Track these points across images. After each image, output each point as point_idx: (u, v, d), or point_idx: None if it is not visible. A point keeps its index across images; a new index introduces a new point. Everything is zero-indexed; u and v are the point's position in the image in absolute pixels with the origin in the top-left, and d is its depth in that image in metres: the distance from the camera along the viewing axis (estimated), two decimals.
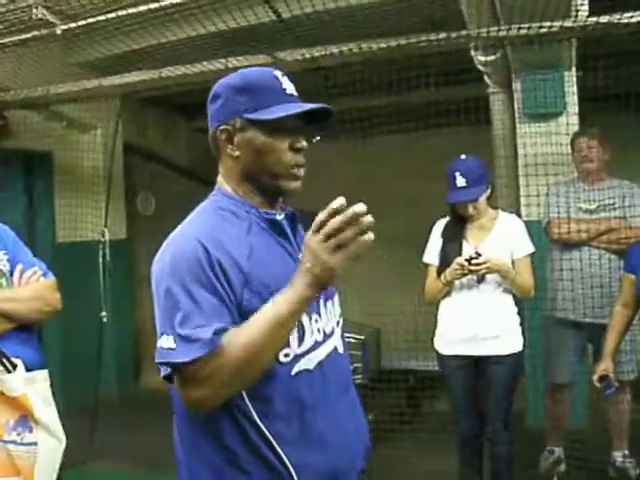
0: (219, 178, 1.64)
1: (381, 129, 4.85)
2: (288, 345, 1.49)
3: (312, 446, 1.52)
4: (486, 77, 4.74)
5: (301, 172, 1.58)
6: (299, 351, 1.52)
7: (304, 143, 1.57)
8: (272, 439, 1.46)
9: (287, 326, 1.39)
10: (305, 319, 1.53)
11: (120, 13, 3.79)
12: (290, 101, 1.54)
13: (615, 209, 3.76)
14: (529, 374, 4.42)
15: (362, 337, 4.58)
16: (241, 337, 1.36)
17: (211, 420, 1.48)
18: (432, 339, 3.43)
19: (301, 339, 1.52)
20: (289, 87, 1.56)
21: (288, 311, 1.36)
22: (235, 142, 1.55)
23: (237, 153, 1.55)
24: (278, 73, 1.58)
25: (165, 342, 1.38)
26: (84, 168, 6.05)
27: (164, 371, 1.42)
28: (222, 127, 1.55)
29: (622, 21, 3.43)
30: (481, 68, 4.55)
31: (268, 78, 1.56)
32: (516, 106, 4.66)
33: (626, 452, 3.86)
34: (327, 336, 1.61)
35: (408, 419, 4.69)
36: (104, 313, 5.06)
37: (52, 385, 2.32)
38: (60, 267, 5.87)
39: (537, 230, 3.95)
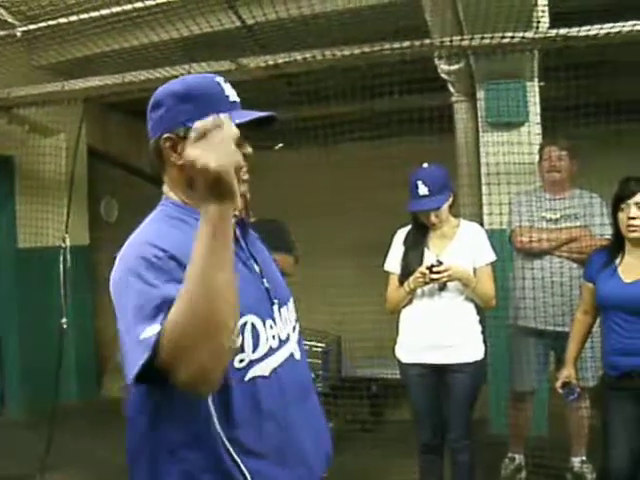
0: (164, 188, 1.62)
1: (344, 137, 4.85)
2: (243, 350, 1.48)
3: (270, 455, 1.50)
4: (450, 86, 4.77)
5: (245, 176, 1.57)
6: (254, 357, 1.50)
7: (249, 149, 1.57)
8: (230, 447, 1.44)
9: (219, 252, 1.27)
10: (259, 324, 1.53)
11: (82, 16, 3.75)
12: (233, 108, 1.55)
13: (577, 219, 3.80)
14: (492, 382, 4.44)
15: (323, 345, 4.57)
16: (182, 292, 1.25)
17: (167, 431, 1.46)
18: (394, 347, 3.43)
19: (256, 345, 1.51)
20: (232, 94, 1.57)
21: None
22: (179, 150, 1.53)
23: (181, 161, 1.51)
24: (220, 79, 1.58)
25: (149, 332, 1.28)
26: (46, 173, 5.96)
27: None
28: (166, 135, 1.53)
29: (581, 34, 3.49)
30: (445, 77, 4.57)
31: (211, 85, 1.56)
32: (479, 115, 4.69)
33: (584, 458, 3.90)
34: (282, 342, 1.60)
35: (370, 427, 4.68)
36: (64, 320, 4.97)
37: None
38: (21, 273, 5.86)
39: (499, 239, 3.97)
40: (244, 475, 1.45)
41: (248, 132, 1.58)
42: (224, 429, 1.44)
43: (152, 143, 1.58)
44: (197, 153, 1.25)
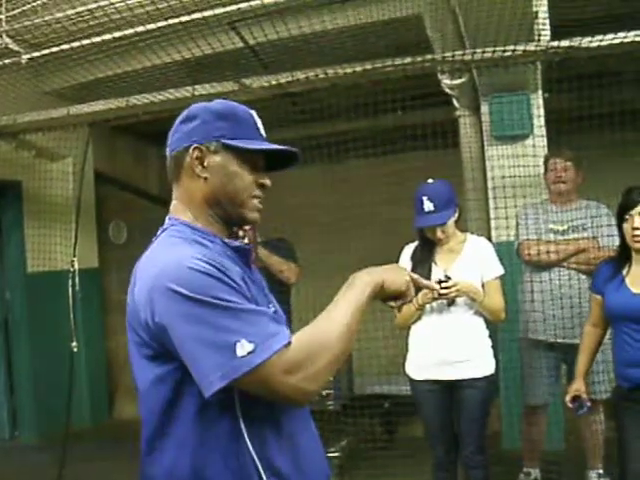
0: (175, 205, 1.60)
1: (349, 154, 4.87)
2: None
3: (291, 476, 1.50)
4: (454, 100, 4.77)
5: (260, 205, 1.61)
6: None
7: (268, 181, 1.61)
8: (260, 465, 1.44)
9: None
10: None
11: (84, 42, 3.79)
12: (263, 139, 1.59)
13: (585, 230, 3.78)
14: (504, 396, 4.40)
15: None
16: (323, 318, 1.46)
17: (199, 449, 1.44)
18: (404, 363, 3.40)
19: None
20: (262, 128, 1.61)
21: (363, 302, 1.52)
22: (206, 164, 1.53)
23: (206, 175, 1.53)
24: (253, 112, 1.62)
25: (240, 350, 1.31)
26: (54, 197, 6.01)
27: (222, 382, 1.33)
28: (196, 145, 1.53)
29: (582, 45, 3.48)
30: (448, 91, 4.57)
31: (246, 113, 1.60)
32: (484, 129, 4.69)
33: (601, 471, 3.85)
34: None
35: (383, 445, 4.64)
36: (74, 343, 4.98)
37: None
38: (31, 297, 5.88)
39: (507, 252, 3.95)
40: None
41: (269, 165, 1.63)
42: (254, 446, 1.44)
43: (174, 154, 1.58)
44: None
